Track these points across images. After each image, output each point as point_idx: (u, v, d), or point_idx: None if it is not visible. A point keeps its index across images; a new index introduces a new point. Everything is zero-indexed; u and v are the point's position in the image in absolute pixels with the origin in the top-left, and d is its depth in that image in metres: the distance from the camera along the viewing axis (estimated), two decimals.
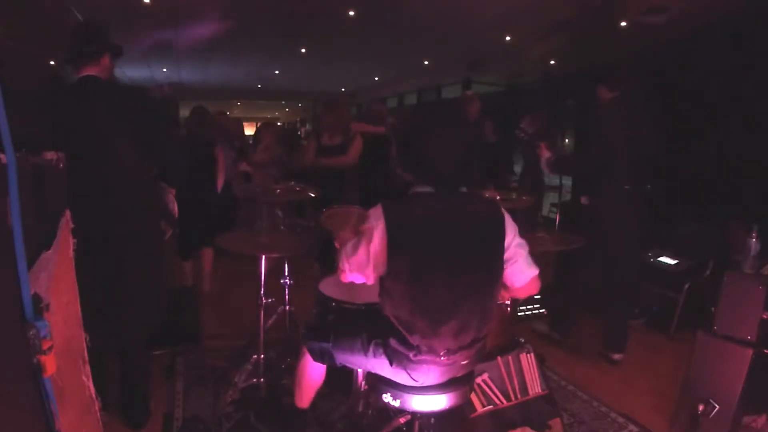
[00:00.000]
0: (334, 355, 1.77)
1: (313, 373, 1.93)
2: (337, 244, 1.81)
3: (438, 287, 1.52)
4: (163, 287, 2.54)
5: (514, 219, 1.65)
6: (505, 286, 1.69)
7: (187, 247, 4.15)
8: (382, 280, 1.58)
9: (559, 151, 3.53)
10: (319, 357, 1.83)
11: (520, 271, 1.64)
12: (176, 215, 2.61)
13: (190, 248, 4.17)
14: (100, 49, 2.22)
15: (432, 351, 1.55)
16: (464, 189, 1.62)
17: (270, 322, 2.90)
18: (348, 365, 1.80)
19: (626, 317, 3.40)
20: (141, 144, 2.25)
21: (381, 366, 1.65)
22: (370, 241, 1.53)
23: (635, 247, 3.27)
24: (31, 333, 1.08)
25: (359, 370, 2.20)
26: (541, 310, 3.92)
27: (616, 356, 3.27)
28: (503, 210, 1.63)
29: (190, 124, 4.36)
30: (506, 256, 1.61)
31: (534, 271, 1.66)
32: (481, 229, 1.57)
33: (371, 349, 1.65)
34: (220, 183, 4.11)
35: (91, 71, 2.19)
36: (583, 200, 3.34)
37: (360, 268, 1.59)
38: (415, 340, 1.54)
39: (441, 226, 1.53)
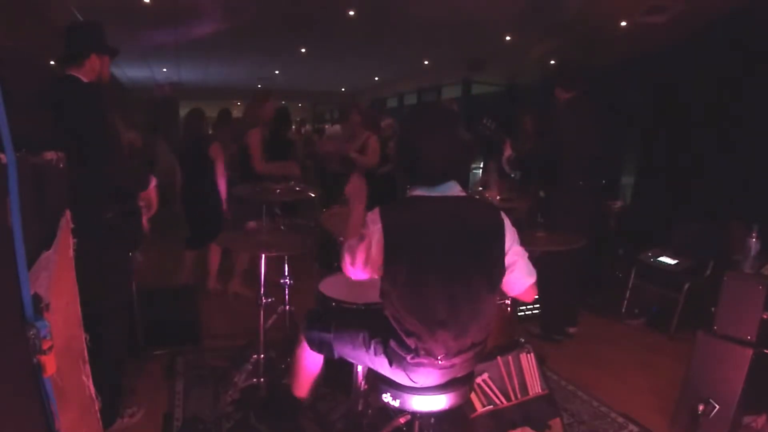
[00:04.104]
0: (334, 346, 1.77)
1: (309, 362, 1.93)
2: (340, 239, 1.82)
3: (435, 291, 1.51)
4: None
5: (513, 220, 1.65)
6: (503, 293, 1.69)
7: (196, 238, 4.18)
8: (381, 283, 1.58)
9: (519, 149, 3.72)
10: (317, 347, 1.83)
11: (518, 279, 1.64)
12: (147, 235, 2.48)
13: (199, 240, 4.19)
14: (85, 50, 2.17)
15: (429, 354, 1.55)
16: (461, 192, 1.61)
17: (270, 322, 2.90)
18: (346, 358, 1.79)
19: (577, 299, 3.73)
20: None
21: (381, 364, 1.65)
22: (369, 245, 1.53)
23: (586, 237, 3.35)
24: (31, 333, 1.08)
25: (359, 369, 2.20)
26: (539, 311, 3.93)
27: (572, 330, 3.59)
28: (503, 215, 1.62)
29: (184, 125, 4.48)
30: (506, 262, 1.60)
31: (531, 279, 1.65)
32: (480, 233, 1.57)
33: (372, 347, 1.65)
34: (221, 182, 4.10)
35: (73, 72, 2.16)
36: (541, 194, 3.62)
37: (363, 266, 1.59)
38: (412, 342, 1.54)
39: (438, 229, 1.53)
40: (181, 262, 4.24)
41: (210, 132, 4.97)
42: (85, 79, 2.18)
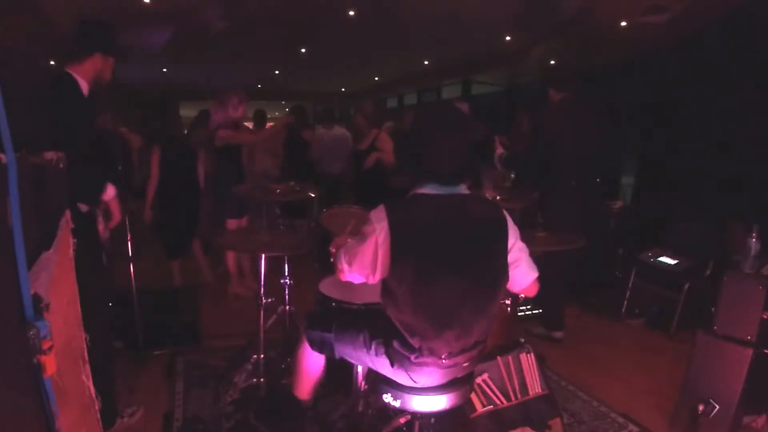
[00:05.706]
0: (335, 346, 1.77)
1: (310, 362, 1.93)
2: (332, 249, 1.81)
3: (441, 289, 1.51)
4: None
5: (513, 219, 1.65)
6: (505, 290, 1.69)
7: (173, 246, 4.20)
8: (384, 282, 1.57)
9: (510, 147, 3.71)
10: (318, 347, 1.83)
11: (522, 274, 1.65)
12: (106, 244, 2.35)
13: (177, 247, 4.21)
14: (90, 48, 2.11)
15: (433, 353, 1.55)
16: (466, 190, 1.62)
17: (270, 322, 2.90)
18: (347, 359, 1.79)
19: (564, 300, 3.65)
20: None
21: (382, 365, 1.65)
22: (373, 243, 1.52)
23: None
24: (31, 333, 1.08)
25: (359, 370, 2.20)
26: (539, 310, 3.92)
27: (558, 334, 3.52)
28: (505, 212, 1.63)
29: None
30: (509, 259, 1.61)
31: (534, 274, 1.67)
32: (483, 231, 1.57)
33: (373, 347, 1.65)
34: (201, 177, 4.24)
35: (72, 69, 2.09)
36: (535, 195, 3.60)
37: (361, 268, 1.58)
38: (416, 342, 1.54)
39: (445, 227, 1.53)
40: (169, 272, 4.22)
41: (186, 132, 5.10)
42: (80, 78, 2.09)
